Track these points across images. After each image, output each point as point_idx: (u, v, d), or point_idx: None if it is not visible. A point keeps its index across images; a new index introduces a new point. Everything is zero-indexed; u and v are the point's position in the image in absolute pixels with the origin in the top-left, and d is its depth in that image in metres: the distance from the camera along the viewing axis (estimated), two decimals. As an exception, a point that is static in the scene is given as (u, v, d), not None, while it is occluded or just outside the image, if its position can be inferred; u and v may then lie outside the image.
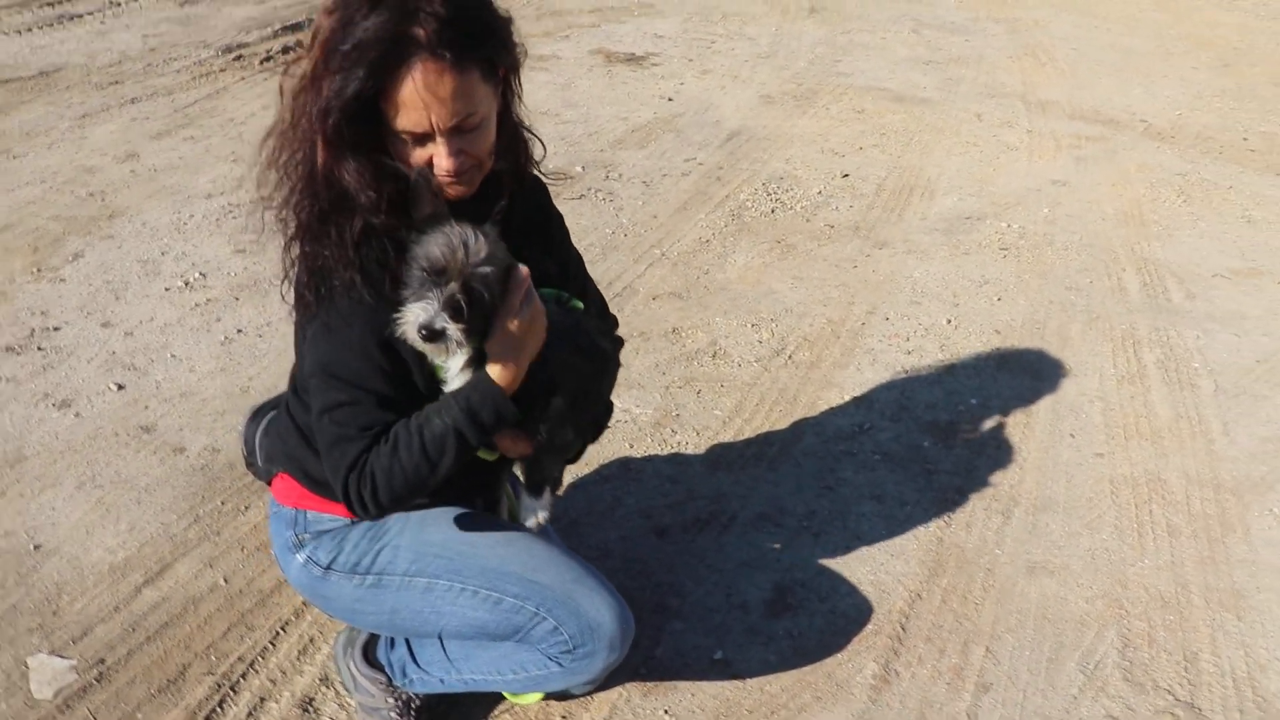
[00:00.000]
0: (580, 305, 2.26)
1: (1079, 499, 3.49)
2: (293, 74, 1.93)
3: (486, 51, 1.87)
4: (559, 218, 2.43)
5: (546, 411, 2.05)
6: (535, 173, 2.32)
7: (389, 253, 1.95)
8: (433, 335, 1.80)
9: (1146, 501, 3.48)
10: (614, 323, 2.53)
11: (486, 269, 1.83)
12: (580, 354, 2.14)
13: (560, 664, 2.25)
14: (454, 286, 1.81)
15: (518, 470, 2.41)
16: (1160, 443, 3.77)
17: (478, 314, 1.85)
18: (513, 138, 2.11)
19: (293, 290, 2.06)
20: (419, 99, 1.82)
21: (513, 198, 2.16)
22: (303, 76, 1.89)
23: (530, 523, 2.23)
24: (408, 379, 2.04)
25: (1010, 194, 5.99)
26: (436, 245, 1.83)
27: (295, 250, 2.02)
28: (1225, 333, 4.51)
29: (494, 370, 1.96)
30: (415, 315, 1.82)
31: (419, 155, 1.91)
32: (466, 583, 2.23)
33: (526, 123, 2.16)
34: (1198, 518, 3.41)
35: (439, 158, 1.90)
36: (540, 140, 2.24)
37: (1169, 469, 3.64)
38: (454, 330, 1.81)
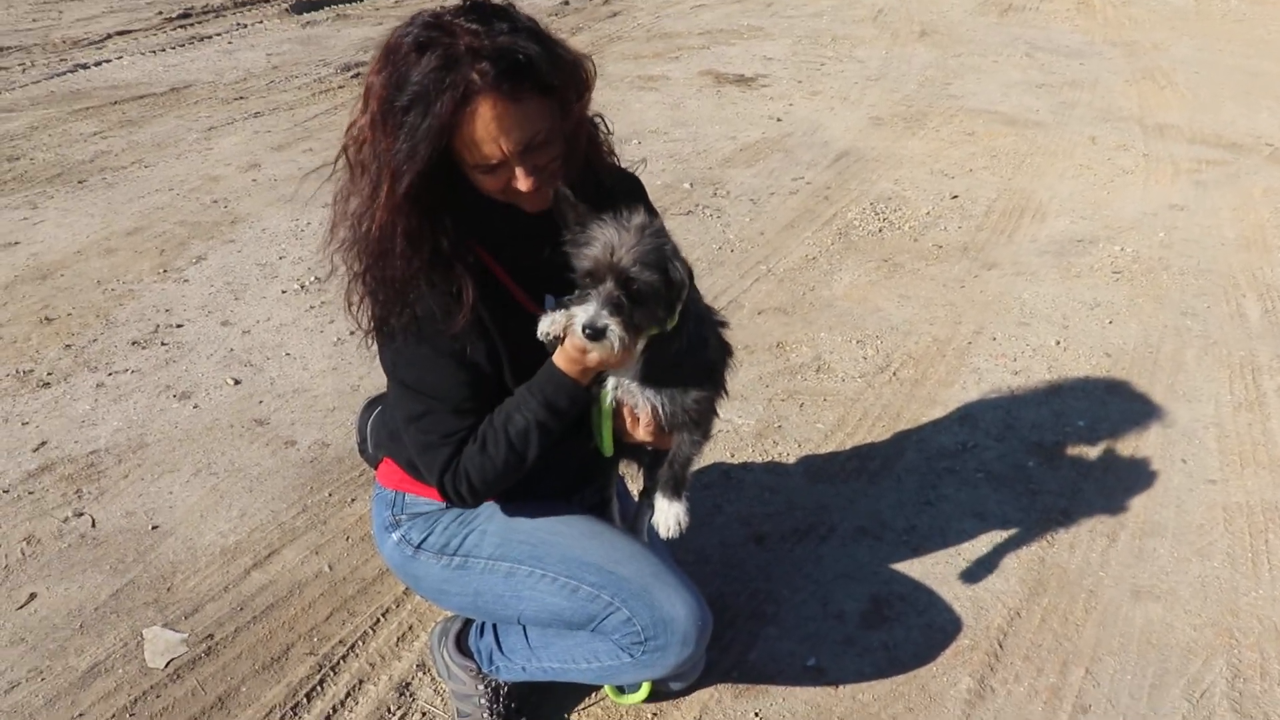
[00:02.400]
0: None
1: (1189, 525, 3.41)
2: (352, 134, 2.01)
3: (537, 74, 1.93)
4: (655, 214, 2.48)
5: (689, 395, 2.10)
6: (629, 171, 2.41)
7: (450, 285, 2.04)
8: (597, 334, 1.87)
9: (1263, 530, 3.39)
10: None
11: (640, 265, 1.89)
12: (721, 345, 2.20)
13: (632, 655, 2.29)
14: (610, 285, 1.88)
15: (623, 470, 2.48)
16: (1278, 472, 3.67)
17: (647, 303, 1.92)
18: (574, 139, 2.14)
19: (361, 324, 2.17)
20: (488, 134, 1.90)
21: (608, 193, 2.22)
22: (360, 133, 1.98)
23: (671, 530, 2.22)
24: (488, 385, 2.13)
25: (1124, 218, 5.88)
26: (590, 249, 1.91)
27: (356, 295, 2.12)
28: (1350, 363, 4.36)
29: (561, 360, 2.05)
30: (579, 315, 1.89)
31: (497, 181, 2.00)
32: (547, 569, 2.30)
33: (595, 121, 2.21)
34: (1316, 549, 3.31)
35: (517, 181, 1.99)
36: (609, 127, 2.27)
37: (1286, 499, 3.54)
38: (615, 326, 1.87)
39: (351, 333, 2.25)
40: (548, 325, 2.01)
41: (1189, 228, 5.73)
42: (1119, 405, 4.07)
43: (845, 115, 7.74)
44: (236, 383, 4.23)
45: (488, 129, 1.90)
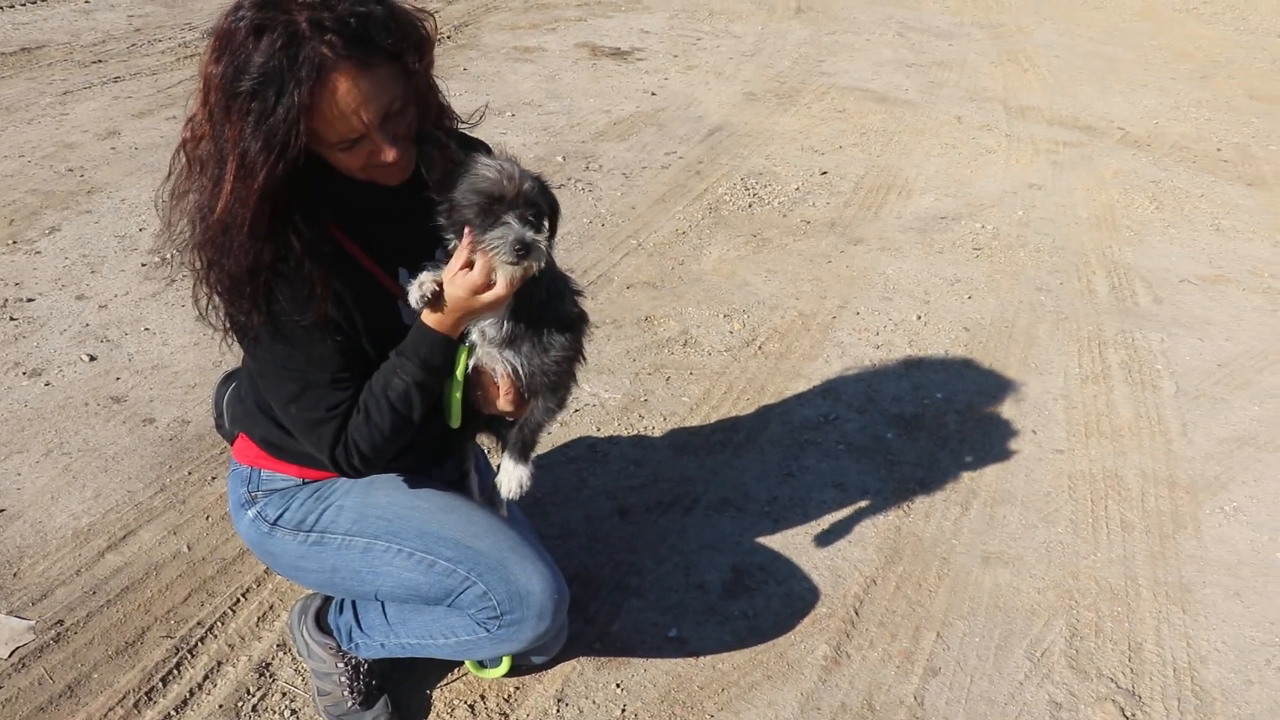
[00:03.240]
0: None
1: (1037, 493, 3.55)
2: (191, 129, 1.93)
3: (383, 40, 1.88)
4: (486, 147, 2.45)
5: (549, 354, 2.09)
6: (476, 138, 2.36)
7: (302, 278, 1.98)
8: (526, 249, 1.87)
9: (1103, 497, 3.55)
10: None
11: (538, 190, 1.94)
12: (580, 312, 2.19)
13: (488, 630, 2.27)
14: (520, 208, 1.90)
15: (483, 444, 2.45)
16: (1120, 441, 3.84)
17: (543, 228, 1.95)
18: (424, 101, 2.09)
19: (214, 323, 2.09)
20: (347, 108, 1.84)
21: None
22: (199, 127, 1.90)
23: (512, 491, 2.21)
24: (360, 354, 2.09)
25: (986, 196, 6.06)
26: (485, 180, 1.90)
27: (203, 294, 2.04)
28: (1190, 337, 4.58)
29: (431, 319, 2.02)
30: (505, 237, 1.87)
31: (357, 157, 1.94)
32: (403, 544, 2.26)
33: (439, 90, 2.15)
34: (1151, 514, 3.48)
35: (380, 154, 1.93)
36: (447, 103, 2.19)
37: (1127, 467, 3.70)
38: (540, 240, 1.89)
39: (217, 329, 2.13)
40: (420, 290, 1.97)
41: (1046, 207, 5.94)
42: (975, 378, 4.20)
43: (719, 90, 7.78)
44: (92, 359, 4.03)
45: (346, 102, 1.83)
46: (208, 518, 3.25)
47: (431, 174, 1.96)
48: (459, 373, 2.10)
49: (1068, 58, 9.14)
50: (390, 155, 1.93)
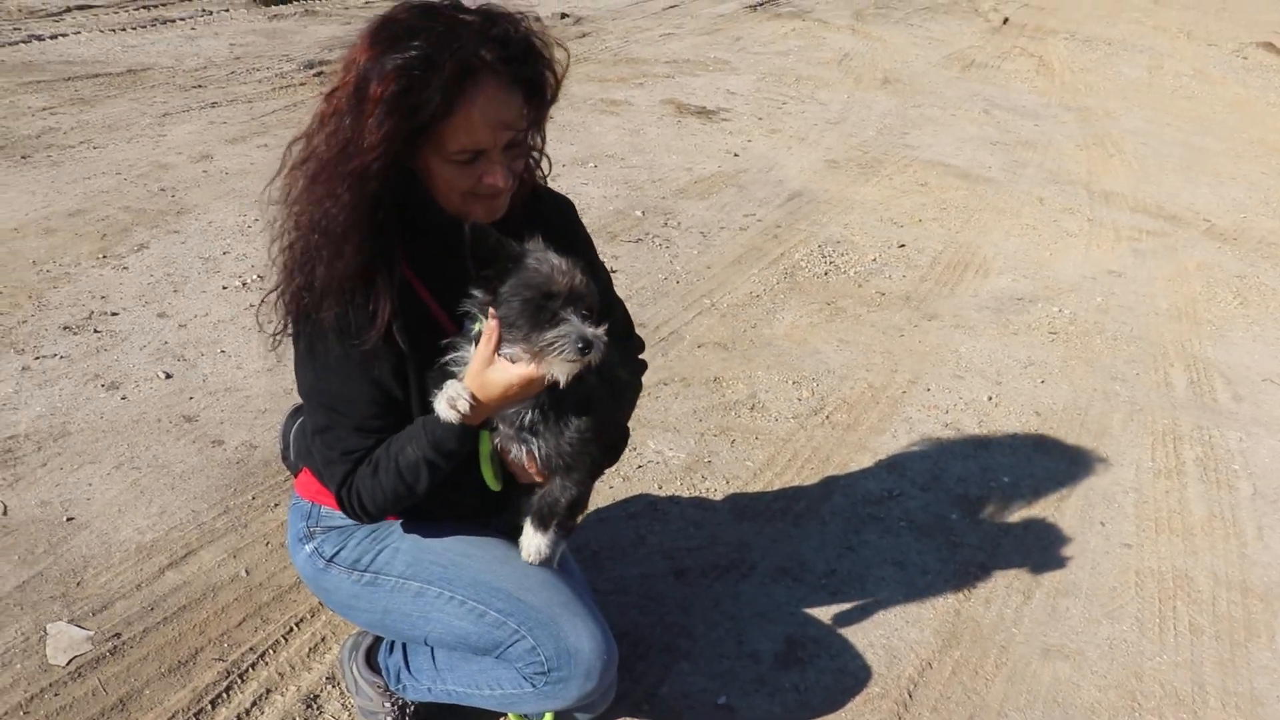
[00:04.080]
0: None
1: (1102, 587, 3.47)
2: (330, 106, 1.97)
3: (533, 69, 1.95)
4: (586, 236, 2.48)
5: (564, 437, 2.10)
6: (559, 192, 2.42)
7: (367, 299, 2.01)
8: (588, 346, 1.88)
9: (1171, 597, 3.45)
10: (640, 344, 2.59)
11: (587, 282, 1.94)
12: (603, 380, 2.19)
13: (534, 685, 2.26)
14: (576, 305, 1.90)
15: None
16: (1191, 540, 3.74)
17: (595, 320, 1.95)
18: (534, 149, 2.17)
19: (281, 309, 2.11)
20: (484, 118, 1.89)
21: (538, 215, 2.23)
22: (335, 112, 1.93)
23: (530, 557, 2.24)
24: (394, 403, 2.11)
25: (1065, 280, 6.00)
26: (539, 275, 1.90)
27: (292, 276, 2.06)
28: (1270, 438, 4.47)
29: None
30: (568, 335, 1.88)
31: (468, 176, 1.98)
32: (455, 592, 2.27)
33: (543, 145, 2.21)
34: (1222, 619, 3.38)
35: (491, 176, 1.97)
36: (548, 158, 2.26)
37: (1198, 567, 3.61)
38: (601, 335, 1.90)
39: (269, 332, 2.19)
40: (449, 405, 1.99)
41: (1125, 294, 5.86)
42: (1044, 464, 4.14)
43: (802, 155, 7.83)
44: (168, 376, 4.15)
45: (485, 112, 1.88)
46: (268, 544, 3.30)
47: (480, 268, 1.95)
48: (484, 456, 2.12)
49: (1155, 145, 9.06)
50: (500, 180, 1.97)
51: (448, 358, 2.05)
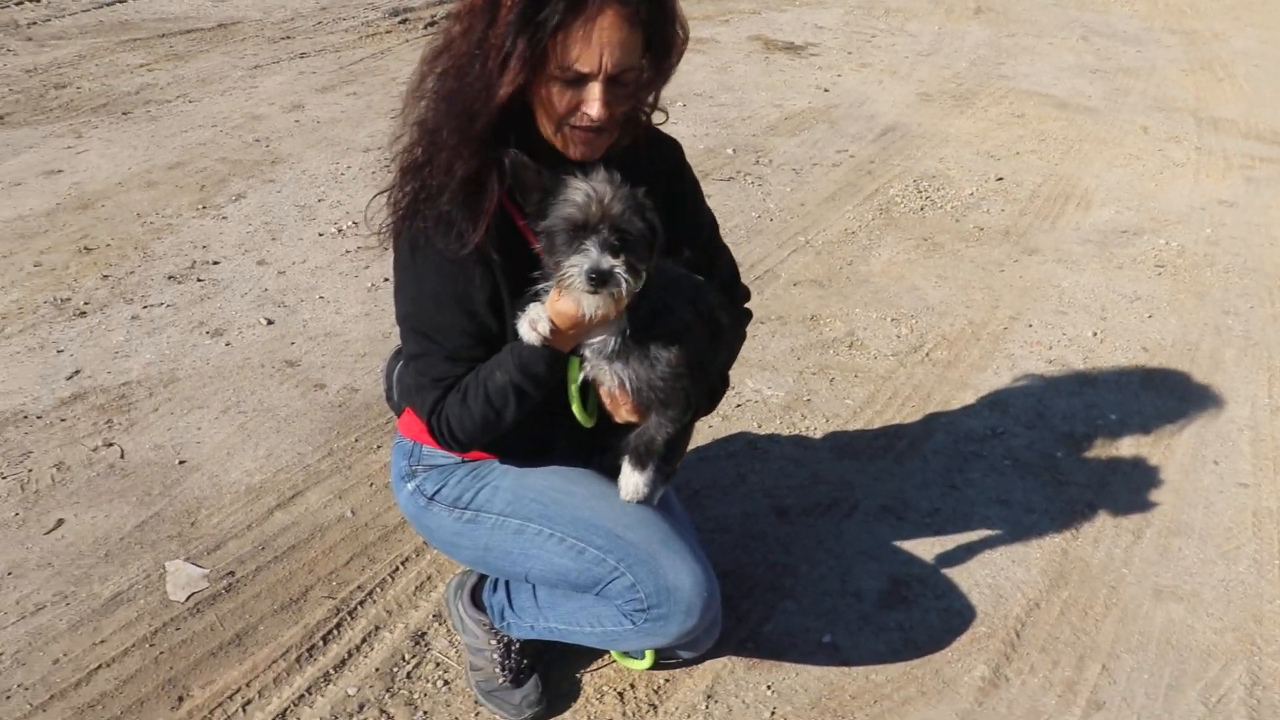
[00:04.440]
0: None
1: (1217, 527, 3.37)
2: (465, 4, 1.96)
3: (660, 21, 1.93)
4: (693, 180, 2.46)
5: (655, 370, 2.07)
6: (666, 134, 2.38)
7: (477, 205, 2.01)
8: (602, 278, 1.84)
9: (1290, 537, 3.35)
10: (745, 293, 2.56)
11: (629, 211, 1.86)
12: (700, 319, 2.16)
13: (634, 622, 2.27)
14: (605, 233, 1.85)
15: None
16: (1311, 479, 3.62)
17: (637, 250, 1.88)
18: (645, 101, 2.13)
19: (391, 205, 2.11)
20: (599, 38, 1.87)
21: (644, 158, 2.21)
22: (470, 10, 1.93)
23: (628, 495, 2.24)
24: (488, 334, 2.12)
25: (1172, 211, 5.78)
26: (572, 205, 1.87)
27: (407, 174, 2.06)
28: (1394, 373, 4.28)
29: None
30: (580, 266, 1.85)
31: (567, 98, 1.95)
32: (555, 529, 2.28)
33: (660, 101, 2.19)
34: (1344, 560, 3.27)
35: (589, 104, 1.95)
36: (664, 111, 2.25)
37: (1318, 507, 3.49)
38: (620, 268, 1.84)
39: (375, 229, 2.20)
40: (531, 327, 1.98)
41: (1237, 225, 5.63)
42: (1153, 401, 4.02)
43: (894, 89, 7.63)
44: (269, 323, 4.25)
45: (601, 36, 1.87)
46: (371, 485, 3.38)
47: (527, 200, 1.94)
48: (573, 385, 2.12)
49: (1268, 67, 8.62)
50: (596, 110, 1.94)
51: (538, 286, 2.04)
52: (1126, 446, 3.75)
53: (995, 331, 4.45)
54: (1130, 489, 3.53)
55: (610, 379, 2.10)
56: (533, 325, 1.98)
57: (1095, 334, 4.47)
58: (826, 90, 7.50)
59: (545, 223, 1.91)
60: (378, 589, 2.98)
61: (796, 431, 3.72)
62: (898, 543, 3.22)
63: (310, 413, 3.72)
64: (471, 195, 2.00)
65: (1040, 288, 4.86)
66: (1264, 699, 2.76)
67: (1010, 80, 7.99)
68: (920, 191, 5.84)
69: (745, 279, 2.61)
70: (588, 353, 2.08)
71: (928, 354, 4.25)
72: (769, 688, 2.71)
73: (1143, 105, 7.57)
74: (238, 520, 3.20)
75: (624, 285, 1.85)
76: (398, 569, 3.06)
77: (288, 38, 8.12)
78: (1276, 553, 3.28)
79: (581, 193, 1.87)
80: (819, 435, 3.71)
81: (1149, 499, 3.48)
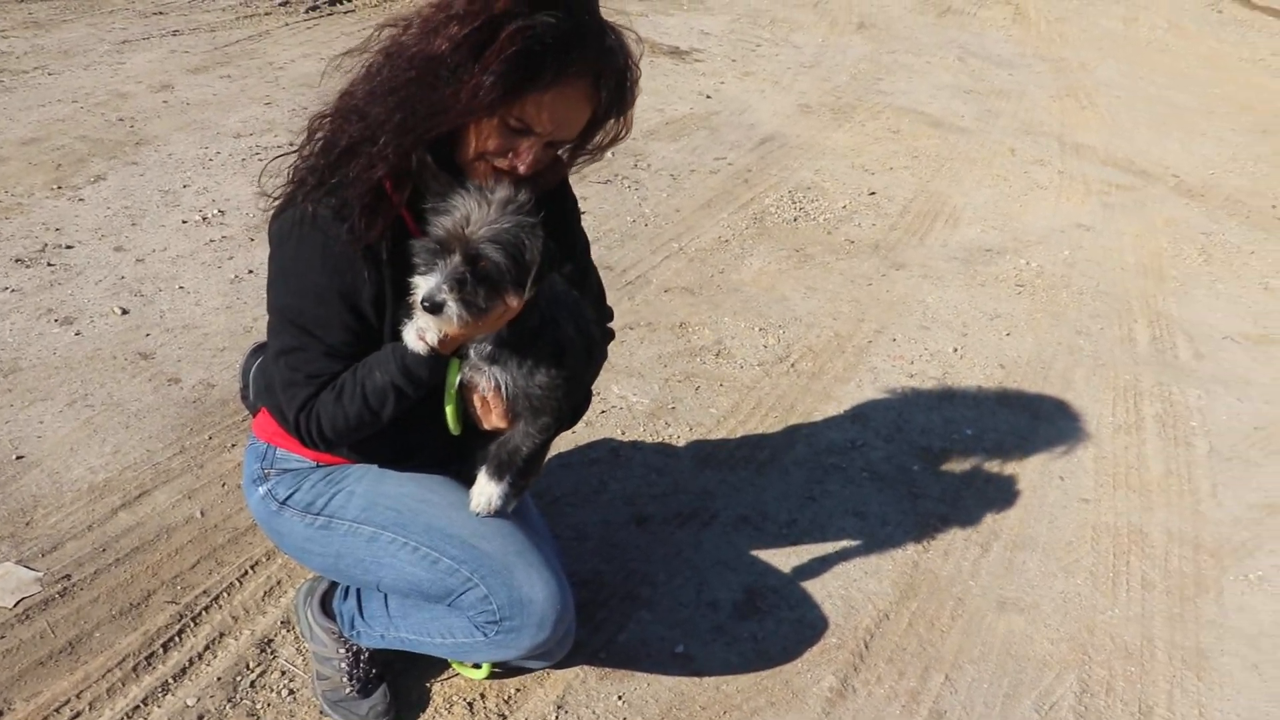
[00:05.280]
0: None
1: (1059, 541, 3.50)
2: (442, 13, 1.91)
3: (620, 97, 1.98)
4: (574, 200, 2.45)
5: (534, 379, 2.06)
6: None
7: (381, 207, 1.97)
8: (434, 307, 1.82)
9: (1125, 552, 3.49)
10: (609, 314, 2.56)
11: (491, 242, 1.82)
12: (579, 334, 2.16)
13: (485, 634, 2.24)
14: (457, 259, 1.82)
15: None
16: (1148, 496, 3.78)
17: (484, 287, 1.84)
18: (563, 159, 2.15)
19: (292, 172, 2.05)
20: (561, 107, 1.90)
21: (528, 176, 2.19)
22: (448, 23, 1.86)
23: (480, 507, 2.20)
24: (368, 331, 2.07)
25: (1033, 232, 5.99)
26: (444, 218, 1.85)
27: (325, 154, 1.99)
28: (1228, 396, 4.51)
29: None
30: (419, 286, 1.83)
31: (501, 142, 1.94)
32: (409, 537, 2.24)
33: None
34: (1174, 574, 3.42)
35: (520, 158, 1.95)
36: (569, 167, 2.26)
37: (1152, 523, 3.65)
38: (454, 303, 1.81)
39: (267, 191, 2.12)
40: (416, 334, 1.96)
41: (1093, 249, 5.87)
42: (1007, 417, 4.15)
43: (775, 99, 7.73)
44: (124, 312, 4.05)
45: (560, 104, 1.91)
46: (223, 485, 3.25)
47: (427, 202, 1.91)
48: (451, 388, 2.08)
49: (1128, 99, 9.02)
50: (522, 164, 1.96)
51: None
52: (980, 461, 3.86)
53: (860, 344, 4.54)
54: (981, 503, 3.64)
55: (487, 382, 2.08)
56: (420, 335, 1.95)
57: (956, 350, 4.60)
58: (709, 97, 7.55)
59: (429, 229, 1.89)
60: (224, 594, 2.87)
61: (660, 439, 3.72)
62: (755, 553, 3.25)
63: (163, 408, 3.56)
64: (378, 198, 1.96)
65: (906, 303, 4.98)
66: (1091, 705, 2.88)
67: (888, 96, 8.18)
68: (795, 202, 5.92)
69: (617, 284, 2.61)
70: (471, 353, 2.05)
71: (793, 365, 4.31)
72: (620, 698, 2.70)
73: (1012, 128, 7.84)
74: (78, 520, 3.04)
75: (454, 321, 1.83)
76: (246, 573, 2.95)
77: (160, 13, 7.77)
78: (1111, 566, 3.43)
79: (458, 211, 1.84)
80: (682, 443, 3.72)
81: (998, 513, 3.60)
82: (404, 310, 2.03)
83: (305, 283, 2.01)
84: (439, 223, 1.85)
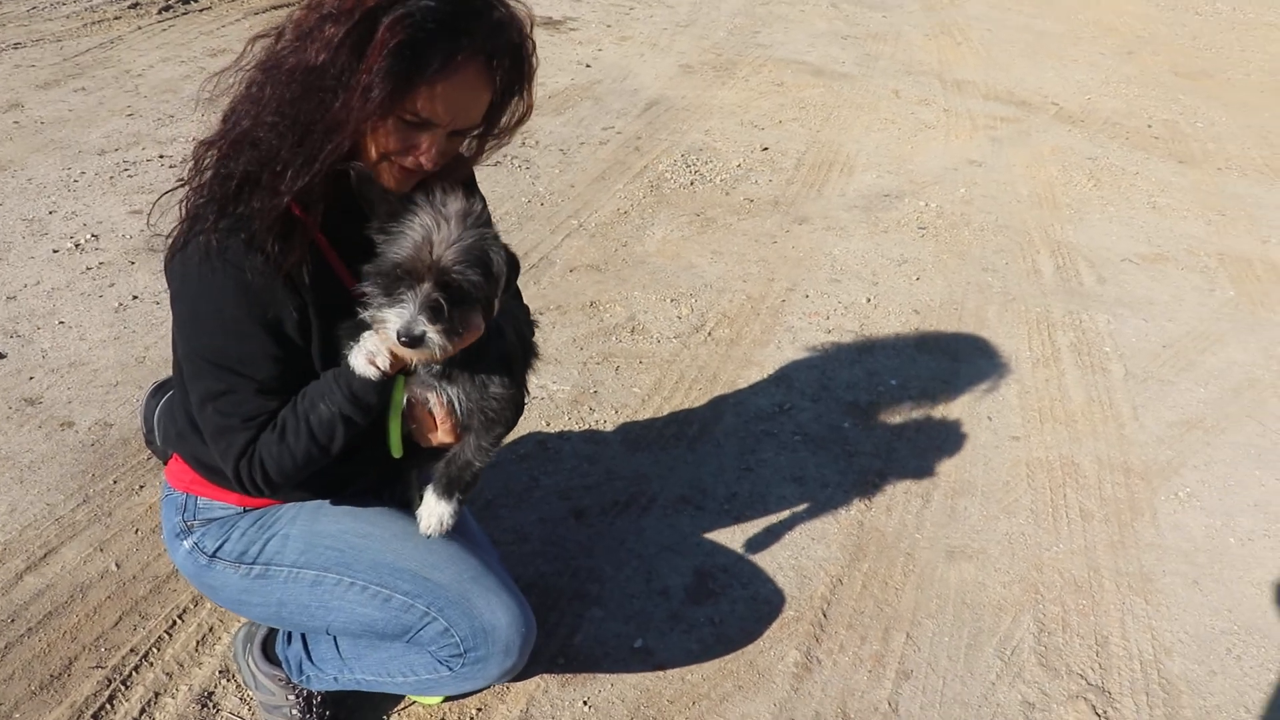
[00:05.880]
0: None
1: (996, 483, 3.50)
2: (316, 16, 1.75)
3: (520, 73, 1.86)
4: (483, 198, 2.30)
5: (488, 392, 1.94)
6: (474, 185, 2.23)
7: (287, 232, 1.81)
8: (414, 341, 1.69)
9: (1061, 486, 3.51)
10: (526, 310, 2.43)
11: (463, 263, 1.70)
12: (518, 338, 2.04)
13: (450, 668, 2.12)
14: (428, 286, 1.69)
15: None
16: (1074, 427, 3.81)
17: (464, 304, 1.74)
18: (471, 152, 2.03)
19: (185, 209, 1.86)
20: (456, 94, 1.76)
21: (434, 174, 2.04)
22: (324, 25, 1.72)
23: (431, 528, 2.06)
24: (297, 360, 1.91)
25: (928, 173, 6.01)
26: (405, 243, 1.71)
27: (218, 188, 1.82)
28: (1134, 317, 4.58)
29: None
30: (392, 320, 1.70)
31: (403, 140, 1.80)
32: (356, 577, 2.09)
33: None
34: (1109, 502, 3.45)
35: (424, 153, 1.81)
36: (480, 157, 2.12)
37: (1082, 453, 3.67)
38: (434, 334, 1.69)
39: (159, 231, 1.94)
40: (365, 358, 1.82)
41: (987, 184, 5.91)
42: (928, 363, 4.14)
43: (655, 62, 7.61)
44: (1, 357, 3.74)
45: (456, 90, 1.76)
46: (137, 531, 3.02)
47: (374, 216, 1.77)
48: (397, 409, 1.95)
49: (999, 31, 9.15)
50: (426, 159, 1.82)
51: (363, 314, 1.84)
52: (908, 411, 3.84)
53: (774, 305, 4.48)
54: (915, 453, 3.61)
55: (439, 398, 1.95)
56: (370, 359, 1.81)
57: (869, 300, 4.57)
58: (588, 66, 7.39)
59: (380, 248, 1.75)
60: (153, 649, 2.65)
61: (586, 426, 3.60)
62: (699, 533, 3.17)
63: (58, 456, 3.29)
64: (288, 224, 1.80)
65: (813, 257, 4.93)
66: (1049, 644, 2.88)
67: (768, 49, 8.12)
68: (689, 166, 5.82)
69: (521, 267, 2.46)
70: (421, 371, 1.91)
71: (710, 333, 4.22)
72: (585, 703, 2.59)
73: (892, 70, 7.86)
74: (-23, 591, 2.79)
75: (436, 351, 1.72)
76: (174, 624, 2.73)
77: (-6, 25, 7.27)
78: (1049, 501, 3.44)
79: (419, 231, 1.70)
80: (610, 428, 3.60)
81: (933, 462, 3.58)
82: (344, 332, 1.89)
83: (223, 320, 1.82)
84: (396, 246, 1.71)
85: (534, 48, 1.88)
